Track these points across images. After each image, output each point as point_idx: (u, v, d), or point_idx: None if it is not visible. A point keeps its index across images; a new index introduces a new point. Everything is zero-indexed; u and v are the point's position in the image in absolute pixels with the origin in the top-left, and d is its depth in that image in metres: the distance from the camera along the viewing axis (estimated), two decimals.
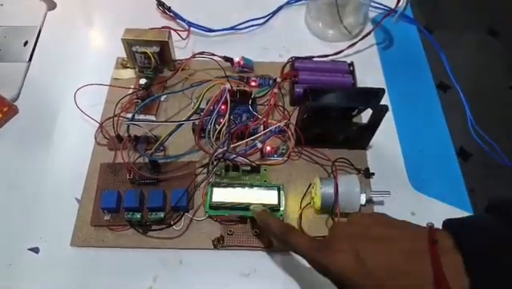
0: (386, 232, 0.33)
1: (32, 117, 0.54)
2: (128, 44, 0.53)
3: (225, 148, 0.45)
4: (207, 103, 0.47)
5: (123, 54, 0.55)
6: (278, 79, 0.53)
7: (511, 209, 0.31)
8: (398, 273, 0.31)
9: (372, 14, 0.66)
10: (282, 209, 0.45)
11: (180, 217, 0.45)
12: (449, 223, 0.32)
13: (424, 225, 0.33)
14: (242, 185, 0.46)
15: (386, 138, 0.52)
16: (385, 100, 0.54)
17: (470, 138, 0.54)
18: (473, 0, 1.69)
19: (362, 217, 0.36)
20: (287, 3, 0.66)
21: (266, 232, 0.43)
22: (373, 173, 0.49)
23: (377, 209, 0.47)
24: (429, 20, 1.56)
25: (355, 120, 0.49)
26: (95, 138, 0.51)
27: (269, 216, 0.42)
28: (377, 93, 0.45)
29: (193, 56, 0.55)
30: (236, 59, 0.56)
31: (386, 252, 0.32)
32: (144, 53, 0.53)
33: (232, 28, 0.62)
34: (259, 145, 0.47)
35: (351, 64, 0.56)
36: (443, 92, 1.26)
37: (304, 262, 0.42)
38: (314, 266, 0.35)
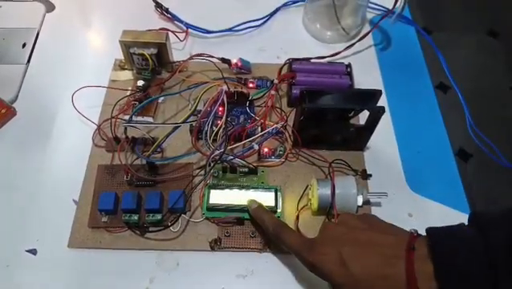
0: (370, 236, 0.36)
1: (30, 119, 0.54)
2: (126, 46, 0.53)
3: (222, 150, 0.45)
4: (204, 105, 0.47)
5: (122, 56, 0.55)
6: (275, 81, 0.53)
7: (483, 221, 0.32)
8: (376, 276, 0.33)
9: (370, 15, 0.66)
10: (279, 210, 0.46)
11: (177, 219, 0.45)
12: (429, 231, 0.34)
13: (423, 224, 0.35)
14: (239, 187, 0.46)
15: (383, 139, 0.52)
16: (383, 101, 0.54)
17: (469, 139, 0.54)
18: (473, 0, 1.69)
19: (350, 219, 0.39)
20: (285, 5, 0.66)
21: (261, 226, 0.44)
22: (370, 175, 0.49)
23: (374, 210, 0.47)
24: (429, 21, 1.56)
25: (352, 121, 0.49)
26: (93, 140, 0.51)
27: (264, 212, 0.44)
28: (374, 95, 0.45)
29: (191, 58, 0.55)
30: (234, 61, 0.56)
31: (367, 256, 0.34)
32: (142, 55, 0.53)
33: (230, 30, 0.62)
34: (256, 147, 0.47)
35: (349, 66, 0.56)
36: (443, 93, 1.26)
37: (300, 263, 0.42)
38: (302, 263, 0.38)
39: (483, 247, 0.30)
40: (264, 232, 0.44)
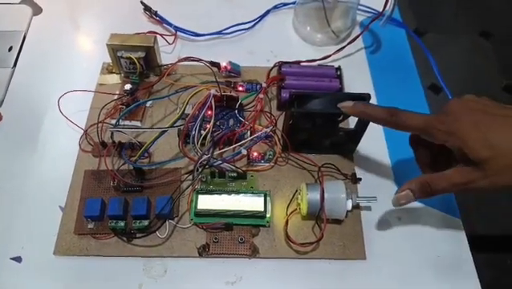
0: (505, 111, 0.35)
1: (16, 124, 0.53)
2: (113, 49, 0.52)
3: (209, 155, 0.44)
4: (193, 109, 0.47)
5: (110, 60, 0.55)
6: (264, 84, 0.52)
7: None
8: None
9: (360, 17, 0.65)
10: (268, 215, 0.45)
11: (162, 224, 0.44)
12: None
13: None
14: (228, 192, 0.46)
15: (373, 143, 0.52)
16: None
17: None
18: (465, 2, 1.70)
19: (478, 99, 0.37)
20: (275, 8, 0.66)
21: (370, 120, 0.42)
22: (360, 179, 0.48)
23: (364, 214, 0.47)
24: (421, 22, 1.56)
25: (341, 125, 0.49)
26: (80, 145, 0.50)
27: (365, 107, 0.42)
28: (363, 98, 0.45)
29: (179, 61, 0.54)
30: (223, 64, 0.56)
31: (506, 125, 0.34)
32: (130, 58, 0.52)
33: (219, 32, 0.62)
34: (244, 152, 0.46)
35: (339, 68, 0.55)
36: (435, 94, 1.26)
37: (290, 269, 0.42)
38: (432, 138, 0.37)
39: None
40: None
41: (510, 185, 0.34)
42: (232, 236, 0.45)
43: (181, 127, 0.47)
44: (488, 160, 0.34)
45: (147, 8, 0.63)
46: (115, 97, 0.53)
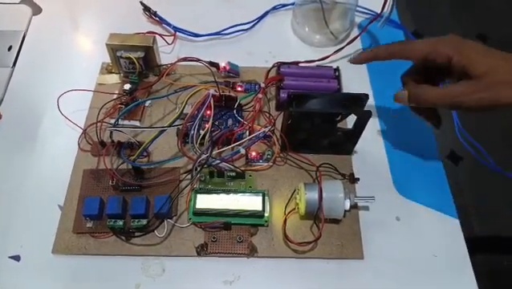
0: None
1: (15, 123, 0.53)
2: (113, 49, 0.53)
3: (208, 155, 0.44)
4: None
5: (109, 60, 0.55)
6: (262, 85, 0.53)
7: None
8: None
9: (359, 18, 0.66)
10: (266, 215, 0.45)
11: (160, 224, 0.44)
12: None
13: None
14: (227, 192, 0.46)
15: (371, 143, 0.52)
16: (371, 105, 0.54)
17: (459, 142, 0.54)
18: (463, 4, 1.71)
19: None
20: (273, 8, 0.66)
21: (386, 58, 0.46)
22: (358, 178, 0.49)
23: (362, 214, 0.47)
24: (419, 24, 1.57)
25: (339, 125, 0.49)
26: (79, 144, 0.50)
27: (377, 48, 0.46)
28: (361, 99, 0.45)
29: (178, 61, 0.54)
30: (222, 64, 0.56)
31: (505, 54, 0.38)
32: (129, 58, 0.52)
33: (218, 33, 0.62)
34: (242, 151, 0.47)
35: (337, 69, 0.56)
36: None
37: (289, 268, 0.42)
38: (437, 55, 0.41)
39: None
40: None
41: (504, 102, 0.38)
42: (230, 235, 0.45)
43: (180, 126, 0.47)
44: (487, 73, 0.38)
45: (146, 8, 0.63)
46: (115, 97, 0.53)
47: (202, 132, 0.47)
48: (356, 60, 0.48)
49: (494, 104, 0.39)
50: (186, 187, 0.46)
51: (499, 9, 1.71)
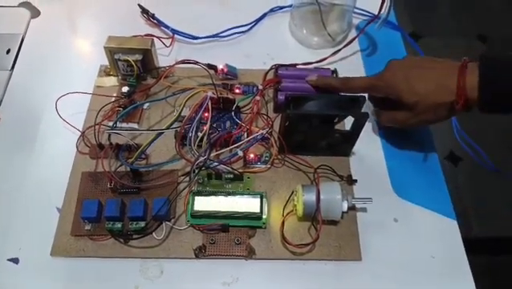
0: (432, 63, 0.46)
1: (14, 125, 0.53)
2: (111, 52, 0.53)
3: (206, 157, 0.44)
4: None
5: (107, 62, 0.55)
6: (260, 87, 0.53)
7: None
8: (435, 87, 0.44)
9: (356, 20, 0.66)
10: (264, 216, 0.45)
11: (158, 226, 0.44)
12: (482, 57, 0.42)
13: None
14: (225, 194, 0.46)
15: (369, 145, 0.52)
16: (369, 107, 0.54)
17: (458, 143, 0.54)
18: (462, 5, 1.71)
19: (414, 57, 0.49)
20: (271, 11, 0.66)
21: (329, 89, 0.52)
22: (356, 180, 0.49)
23: (360, 215, 0.47)
24: (417, 25, 1.57)
25: (337, 126, 0.49)
26: (77, 146, 0.51)
27: (325, 78, 0.53)
28: (358, 101, 0.46)
29: (176, 63, 0.54)
30: (220, 67, 0.56)
31: (429, 75, 0.45)
32: (127, 61, 0.53)
33: (216, 35, 0.62)
34: (240, 153, 0.47)
35: (335, 71, 0.56)
36: None
37: (287, 270, 0.42)
38: (377, 92, 0.49)
39: None
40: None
41: (432, 119, 0.46)
42: (228, 237, 0.45)
43: (178, 129, 0.47)
44: (416, 104, 0.45)
45: (144, 11, 0.63)
46: (113, 99, 0.53)
47: (200, 135, 0.47)
48: (313, 82, 0.53)
49: (427, 124, 0.51)
50: (184, 189, 0.46)
51: (499, 9, 1.71)
